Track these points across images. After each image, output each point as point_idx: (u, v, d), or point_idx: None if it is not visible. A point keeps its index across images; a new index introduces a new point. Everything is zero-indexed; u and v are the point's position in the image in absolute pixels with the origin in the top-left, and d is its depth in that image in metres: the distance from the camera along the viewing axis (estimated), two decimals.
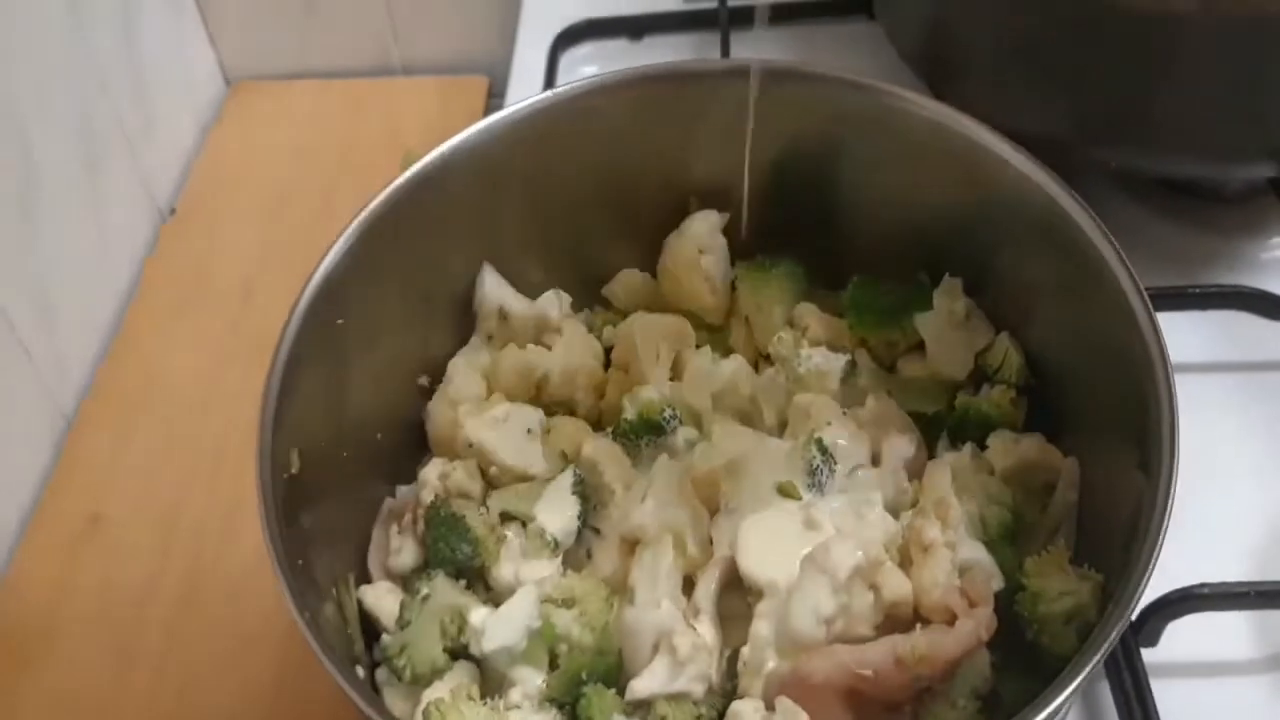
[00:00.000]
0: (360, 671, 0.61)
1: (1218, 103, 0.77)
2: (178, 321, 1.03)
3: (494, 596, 0.64)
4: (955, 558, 0.57)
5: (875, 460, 0.65)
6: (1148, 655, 0.69)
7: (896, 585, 0.56)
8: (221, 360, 0.98)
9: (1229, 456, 0.80)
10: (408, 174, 0.66)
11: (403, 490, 0.69)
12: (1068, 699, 0.48)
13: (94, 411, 0.97)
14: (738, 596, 0.60)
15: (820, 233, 0.73)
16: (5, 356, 0.88)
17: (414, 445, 0.71)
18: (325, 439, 0.62)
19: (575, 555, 0.66)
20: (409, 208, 0.66)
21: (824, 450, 0.63)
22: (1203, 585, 0.68)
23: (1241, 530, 0.77)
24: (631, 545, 0.65)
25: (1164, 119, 0.78)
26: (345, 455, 0.65)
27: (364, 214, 0.64)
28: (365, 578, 0.66)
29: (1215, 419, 0.81)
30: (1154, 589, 0.68)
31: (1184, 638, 0.70)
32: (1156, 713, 0.66)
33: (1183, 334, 0.83)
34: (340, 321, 0.63)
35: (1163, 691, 0.67)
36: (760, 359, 0.73)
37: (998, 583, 0.58)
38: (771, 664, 0.55)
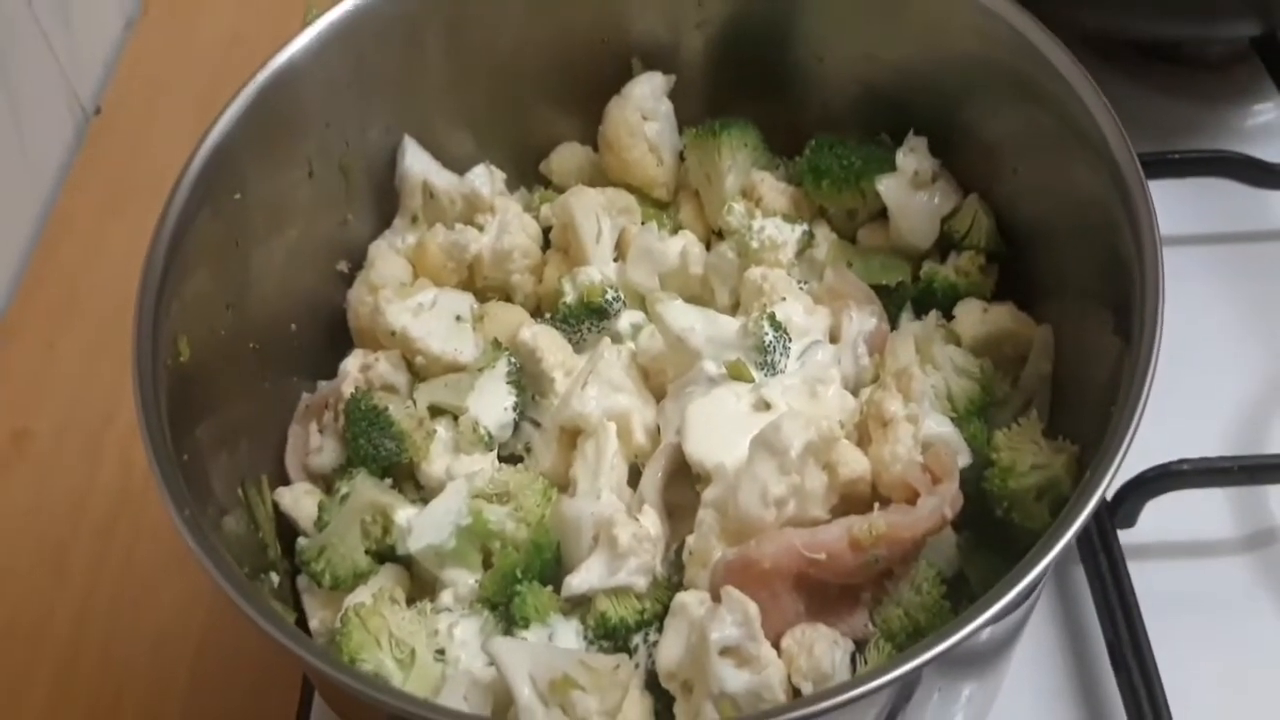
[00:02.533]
0: (275, 578, 0.55)
1: None
2: (105, 225, 0.95)
3: (425, 495, 0.58)
4: (918, 432, 0.51)
5: (834, 336, 0.59)
6: (1124, 536, 0.64)
7: (853, 462, 0.50)
8: None
9: (1209, 330, 0.75)
10: (310, 32, 0.58)
11: (324, 385, 0.62)
12: (1040, 576, 0.42)
13: (18, 322, 0.89)
14: (687, 487, 0.54)
15: (775, 93, 0.65)
16: None
17: (335, 337, 0.64)
18: (226, 328, 0.55)
19: (514, 451, 0.60)
20: (314, 70, 0.58)
21: (777, 326, 0.56)
22: (1182, 461, 0.63)
23: (1221, 405, 0.71)
24: (573, 437, 0.58)
25: None
26: (254, 347, 0.58)
27: (260, 77, 0.56)
28: (284, 477, 0.59)
29: (1195, 291, 0.75)
30: (1131, 467, 0.63)
31: (1162, 518, 0.65)
32: (1134, 596, 0.61)
33: (1162, 203, 0.77)
34: (238, 196, 0.55)
35: (1140, 574, 0.62)
36: (712, 236, 0.66)
37: (964, 458, 0.52)
38: (718, 553, 0.49)
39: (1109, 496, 0.64)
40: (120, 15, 1.08)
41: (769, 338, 0.56)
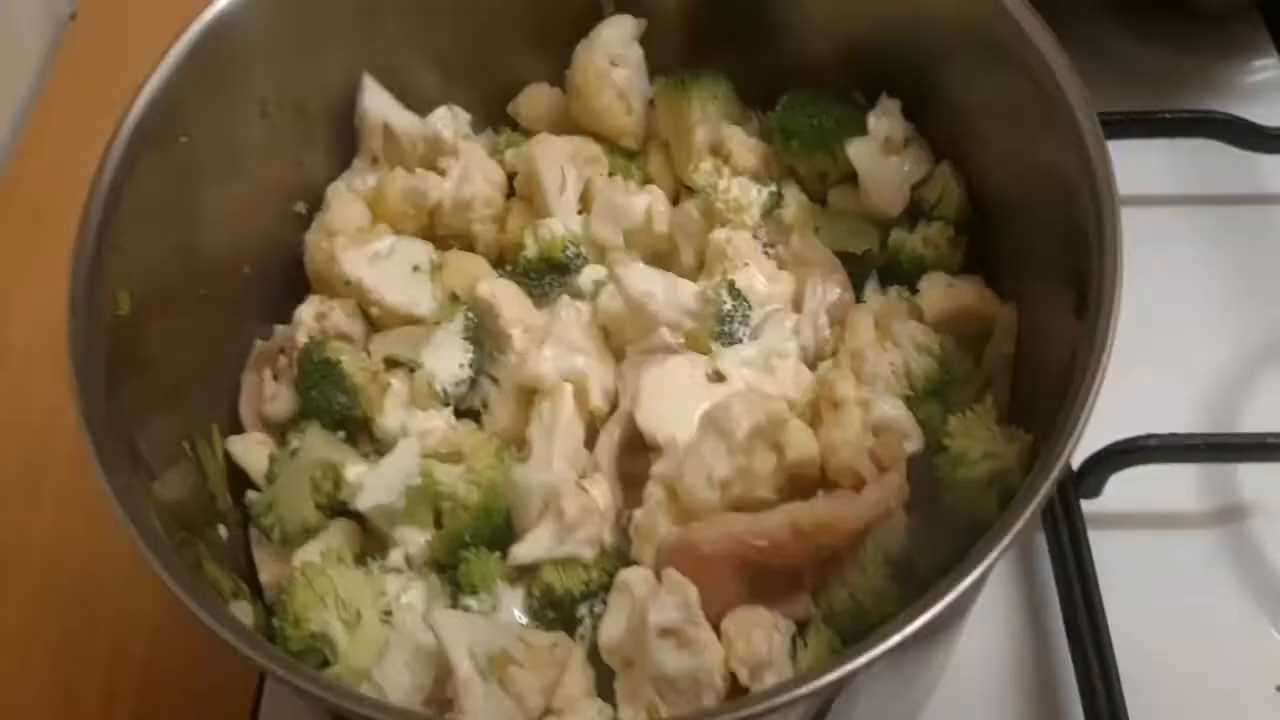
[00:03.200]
0: (224, 531, 0.54)
1: None
2: (79, 135, 0.90)
3: (379, 449, 0.57)
4: (868, 416, 0.49)
5: (797, 303, 0.56)
6: (1087, 505, 0.63)
7: (801, 445, 0.49)
8: None
9: (1192, 295, 0.72)
10: None
11: (280, 330, 0.60)
12: (986, 570, 0.41)
13: None
14: (644, 456, 0.53)
15: (751, 42, 0.62)
16: None
17: (291, 279, 0.61)
18: (173, 277, 0.53)
19: (471, 406, 0.58)
20: (266, 8, 0.55)
21: (736, 295, 0.54)
22: (1150, 436, 0.62)
23: (1199, 372, 0.70)
24: (530, 395, 0.57)
25: None
26: (203, 293, 0.56)
27: (205, 16, 0.52)
28: (238, 425, 0.58)
29: (1177, 255, 0.73)
30: (1100, 438, 0.61)
31: (1128, 488, 0.64)
32: (1093, 565, 0.61)
33: (1150, 163, 0.74)
34: (184, 140, 0.53)
35: (1101, 543, 0.61)
36: (681, 189, 0.63)
37: (914, 444, 0.50)
38: (664, 529, 0.48)
39: (1074, 466, 0.63)
40: None
41: (727, 306, 0.54)
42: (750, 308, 0.54)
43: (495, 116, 0.66)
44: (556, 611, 0.51)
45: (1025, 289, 0.55)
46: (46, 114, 0.93)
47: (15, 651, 0.68)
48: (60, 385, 0.78)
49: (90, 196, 0.48)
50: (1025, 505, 0.40)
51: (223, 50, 0.54)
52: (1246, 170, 0.75)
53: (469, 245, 0.62)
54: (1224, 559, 0.64)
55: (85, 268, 0.47)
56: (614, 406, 0.56)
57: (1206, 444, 0.62)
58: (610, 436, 0.54)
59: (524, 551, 0.50)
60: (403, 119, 0.61)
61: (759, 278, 0.55)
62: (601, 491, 0.52)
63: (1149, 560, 0.64)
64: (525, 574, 0.52)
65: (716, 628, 0.47)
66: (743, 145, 0.61)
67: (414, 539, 0.54)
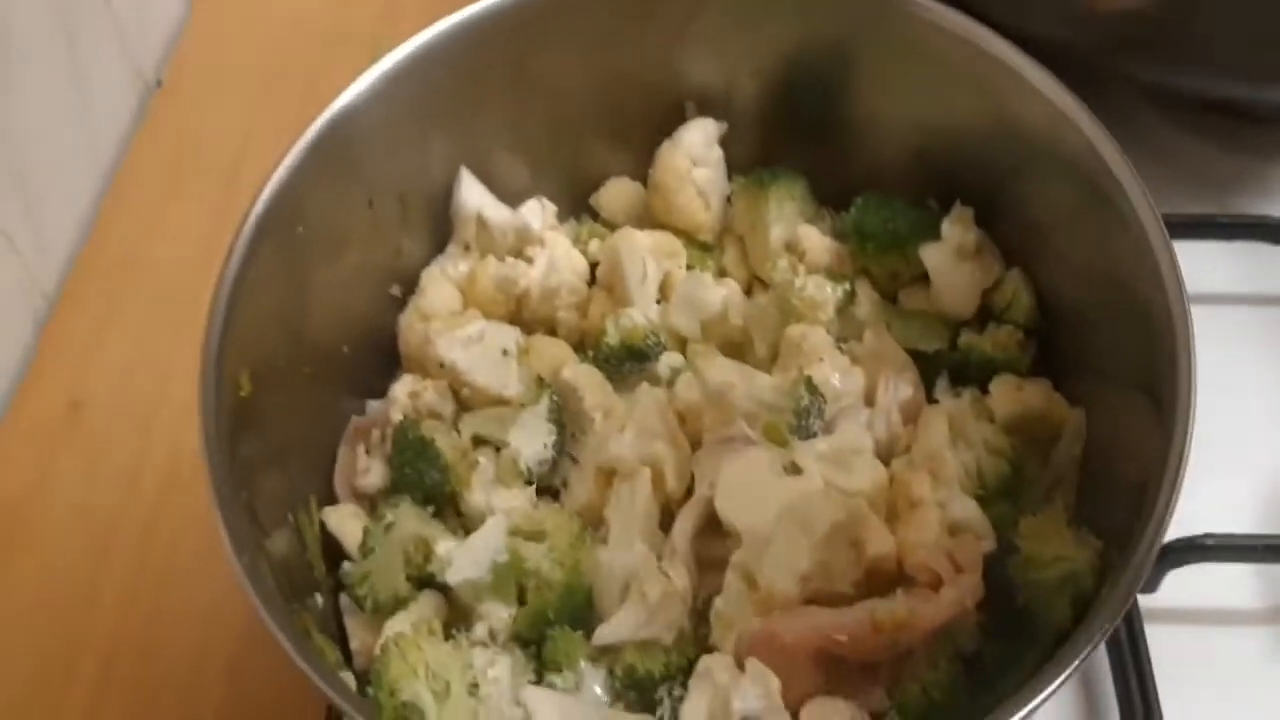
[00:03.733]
0: (319, 599, 0.57)
1: (1259, 16, 0.68)
2: (164, 199, 0.96)
3: (465, 523, 0.59)
4: (944, 516, 0.52)
5: (870, 398, 0.59)
6: (1144, 600, 0.65)
7: (879, 543, 0.51)
8: (207, 241, 0.89)
9: (1248, 395, 0.74)
10: (375, 70, 0.58)
11: (373, 405, 0.64)
12: (1060, 685, 0.43)
13: (76, 294, 0.90)
14: (717, 540, 0.56)
15: (826, 145, 0.65)
16: None
17: (386, 357, 0.65)
18: (283, 356, 0.56)
19: (551, 484, 0.61)
20: (378, 107, 0.59)
21: (813, 390, 0.57)
22: (1208, 535, 0.63)
23: (1256, 473, 0.71)
24: (609, 476, 0.60)
25: (1199, 32, 0.69)
26: (307, 371, 0.59)
27: (324, 117, 0.56)
28: (331, 496, 0.61)
29: (1236, 354, 0.75)
30: None
31: (1185, 584, 0.65)
32: (1149, 659, 0.62)
33: (1207, 264, 0.77)
34: (300, 230, 0.57)
35: (1157, 638, 0.62)
36: (754, 282, 0.66)
37: (988, 545, 0.53)
38: (744, 618, 0.51)
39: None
40: None
41: (805, 401, 0.56)
42: (825, 402, 0.57)
43: (578, 207, 0.69)
44: (637, 692, 0.53)
45: (1094, 393, 0.57)
46: (133, 176, 0.97)
47: (90, 703, 0.70)
48: (137, 442, 0.83)
49: (218, 286, 0.52)
50: (1105, 619, 0.43)
51: (340, 144, 0.57)
52: None
53: (553, 331, 0.65)
54: None
55: (214, 353, 0.50)
56: (689, 492, 0.59)
57: (1264, 545, 0.64)
58: (687, 521, 0.57)
59: (608, 633, 0.53)
60: (495, 210, 0.65)
61: (833, 373, 0.58)
62: (679, 575, 0.55)
63: (1205, 655, 0.65)
64: (607, 653, 0.54)
65: (795, 716, 0.49)
66: (817, 244, 0.64)
67: (498, 614, 0.56)
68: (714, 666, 0.50)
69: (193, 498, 0.79)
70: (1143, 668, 0.61)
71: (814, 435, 0.57)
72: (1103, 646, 0.64)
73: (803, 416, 0.56)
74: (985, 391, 0.59)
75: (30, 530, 0.79)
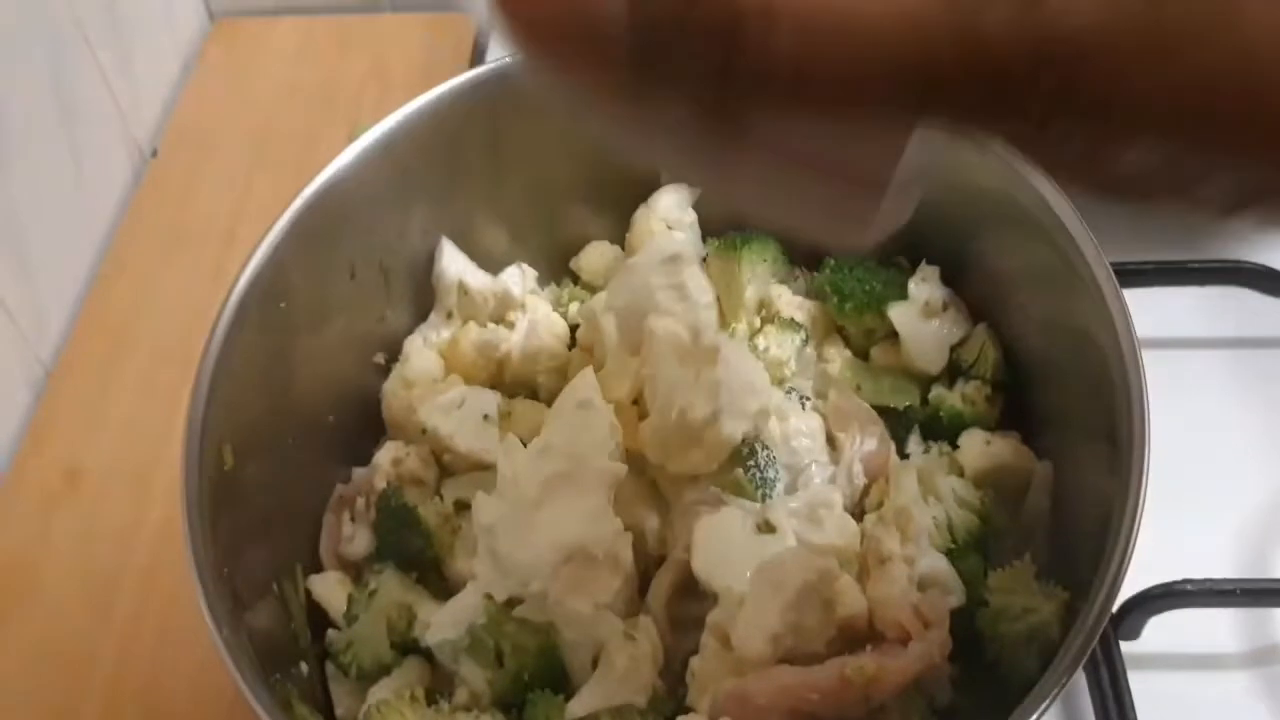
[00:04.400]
0: (305, 667, 0.58)
1: None
2: (159, 267, 0.98)
3: (449, 588, 0.61)
4: (913, 572, 0.53)
5: (836, 456, 0.61)
6: (1126, 646, 0.66)
7: (851, 602, 0.52)
8: (203, 306, 0.91)
9: (1224, 438, 0.75)
10: (355, 147, 0.60)
11: (358, 472, 0.65)
12: None
13: (73, 362, 0.93)
14: (695, 600, 0.57)
15: None
16: None
17: (371, 424, 0.67)
18: (266, 428, 0.58)
19: None
20: (358, 182, 0.61)
21: (763, 447, 0.58)
22: (1186, 581, 0.64)
23: (1234, 515, 0.72)
24: None
25: None
26: (291, 441, 0.61)
27: (305, 194, 0.59)
28: (317, 563, 0.63)
29: (1210, 398, 0.76)
30: (1138, 582, 0.64)
31: (1166, 630, 0.66)
32: (1132, 705, 0.62)
33: (1179, 309, 0.79)
34: (283, 305, 0.59)
35: (1141, 682, 0.63)
36: None
37: (957, 599, 0.54)
38: (719, 678, 0.52)
39: (1113, 609, 0.66)
40: (177, 59, 1.11)
41: (758, 457, 0.58)
42: (775, 458, 0.58)
43: (558, 271, 0.71)
44: None
45: (1060, 445, 0.59)
46: (129, 243, 1.00)
47: None
48: (133, 506, 0.84)
49: (202, 361, 0.54)
50: (1065, 664, 0.44)
51: (322, 219, 0.60)
52: (1276, 316, 0.79)
53: (533, 394, 0.67)
54: (1264, 699, 0.66)
55: (197, 429, 0.52)
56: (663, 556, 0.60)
57: (1241, 589, 0.65)
58: (663, 582, 0.58)
59: (579, 706, 0.54)
60: (477, 278, 0.67)
61: (798, 430, 0.60)
62: (650, 638, 0.55)
63: (1188, 700, 0.65)
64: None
65: None
66: (789, 304, 0.66)
67: (477, 676, 0.57)
68: None
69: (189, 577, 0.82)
70: (1126, 714, 0.62)
71: (771, 491, 0.58)
72: (1086, 693, 0.65)
73: (759, 470, 0.58)
74: (955, 446, 0.61)
75: (31, 590, 0.80)
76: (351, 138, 0.61)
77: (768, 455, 0.58)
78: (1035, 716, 0.44)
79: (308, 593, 0.61)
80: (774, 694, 0.49)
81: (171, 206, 1.02)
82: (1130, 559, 0.48)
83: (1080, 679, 0.66)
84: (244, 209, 1.00)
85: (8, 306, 0.88)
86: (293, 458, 0.61)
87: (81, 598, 0.80)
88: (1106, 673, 0.64)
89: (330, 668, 0.59)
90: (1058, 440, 0.59)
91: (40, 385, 0.91)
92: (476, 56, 0.97)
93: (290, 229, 0.58)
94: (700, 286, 0.56)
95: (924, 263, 0.64)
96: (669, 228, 0.67)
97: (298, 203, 0.59)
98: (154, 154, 1.06)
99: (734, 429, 0.55)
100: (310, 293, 0.60)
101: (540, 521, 0.52)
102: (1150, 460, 0.50)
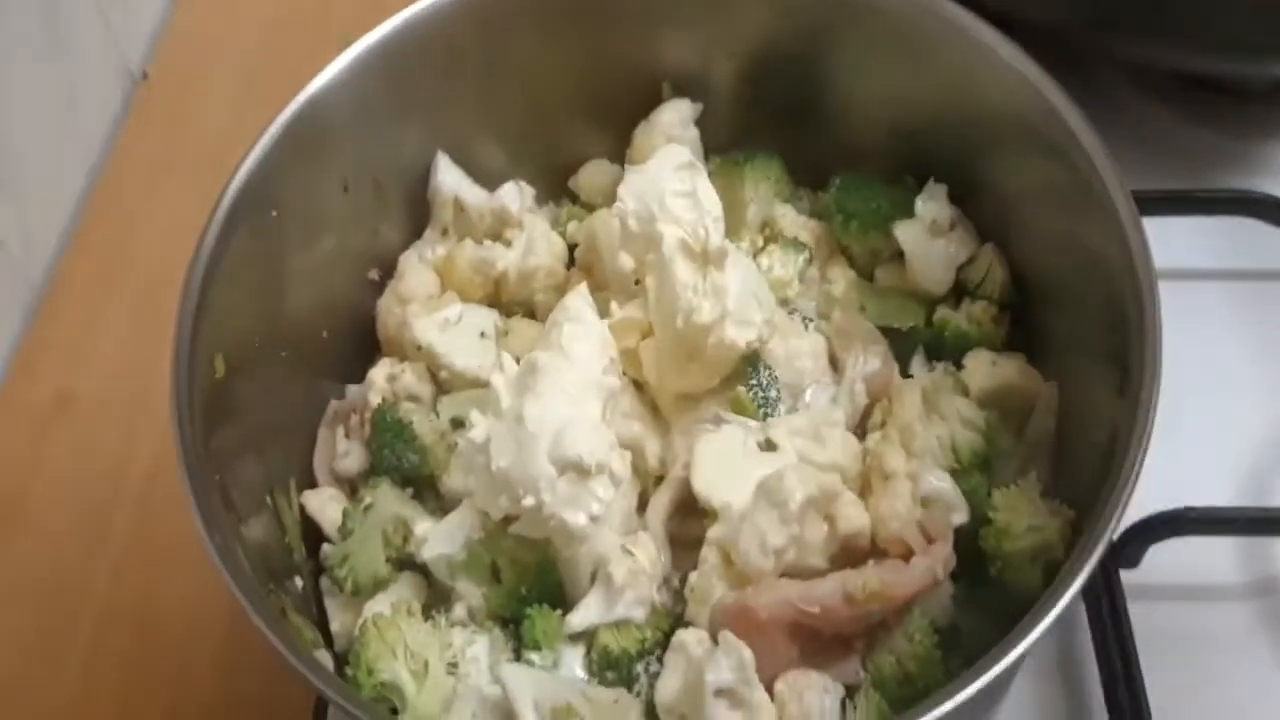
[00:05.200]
0: (299, 581, 0.57)
1: None
2: (150, 191, 0.96)
3: (444, 505, 0.60)
4: (916, 489, 0.52)
5: (838, 375, 0.60)
6: (1126, 575, 0.65)
7: (853, 517, 0.51)
8: (193, 232, 0.90)
9: (1230, 369, 0.74)
10: (346, 55, 0.58)
11: (351, 389, 0.64)
12: (1027, 649, 0.43)
13: (63, 286, 0.91)
14: (694, 519, 0.56)
15: (802, 125, 0.65)
16: None
17: (364, 341, 0.65)
18: (259, 340, 0.57)
19: None
20: (351, 92, 0.59)
21: (754, 362, 0.57)
22: (1189, 509, 0.63)
23: (1237, 446, 0.71)
24: None
25: (1180, 6, 0.69)
26: (285, 355, 0.59)
27: (297, 102, 0.57)
28: (311, 479, 0.62)
29: (1217, 330, 0.75)
30: (1138, 510, 0.63)
31: (1166, 559, 0.65)
32: (1132, 635, 0.62)
33: (1188, 240, 0.77)
34: (274, 214, 0.57)
35: (1140, 613, 0.62)
36: None
37: (960, 516, 0.53)
38: (718, 594, 0.51)
39: (1114, 537, 0.65)
40: None
41: (760, 376, 0.57)
42: (776, 376, 0.57)
43: (557, 190, 0.69)
44: (614, 671, 0.53)
45: (1067, 366, 0.58)
46: (119, 169, 0.98)
47: (80, 682, 0.71)
48: (125, 433, 0.83)
49: (190, 269, 0.52)
50: (1069, 584, 0.43)
51: (313, 129, 0.58)
52: None
53: (531, 313, 0.66)
54: (1263, 630, 0.65)
55: (187, 335, 0.50)
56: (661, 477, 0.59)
57: (1245, 518, 0.64)
58: (661, 500, 0.57)
59: (578, 619, 0.53)
60: (473, 193, 0.65)
61: (800, 350, 0.59)
62: (648, 552, 0.54)
63: (1188, 631, 0.65)
64: (583, 634, 0.55)
65: (769, 689, 0.49)
66: (794, 223, 0.64)
67: (473, 592, 0.56)
68: (688, 640, 0.50)
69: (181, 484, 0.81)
70: (1125, 642, 0.61)
71: (773, 411, 0.57)
72: (1085, 623, 0.65)
73: (761, 389, 0.56)
74: (960, 366, 0.60)
75: (24, 513, 0.80)
76: (340, 47, 0.59)
77: (770, 374, 0.57)
78: (1039, 629, 0.43)
79: (302, 509, 0.60)
80: (775, 606, 0.48)
81: (162, 132, 0.99)
82: (1138, 480, 0.47)
83: (1079, 609, 0.66)
84: (234, 136, 0.95)
85: None
86: (286, 371, 0.59)
87: (73, 520, 0.80)
88: (1106, 601, 0.64)
89: (325, 582, 0.58)
90: (1064, 362, 0.58)
91: (30, 309, 0.90)
92: None
93: (281, 137, 0.56)
94: (711, 197, 0.54)
95: (931, 181, 0.62)
96: (669, 144, 0.65)
97: (288, 111, 0.57)
98: (144, 76, 1.03)
99: (738, 335, 0.53)
100: (302, 204, 0.59)
101: (533, 437, 0.51)
102: (1160, 381, 0.49)
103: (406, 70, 0.61)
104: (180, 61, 1.04)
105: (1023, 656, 0.44)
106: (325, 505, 0.60)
